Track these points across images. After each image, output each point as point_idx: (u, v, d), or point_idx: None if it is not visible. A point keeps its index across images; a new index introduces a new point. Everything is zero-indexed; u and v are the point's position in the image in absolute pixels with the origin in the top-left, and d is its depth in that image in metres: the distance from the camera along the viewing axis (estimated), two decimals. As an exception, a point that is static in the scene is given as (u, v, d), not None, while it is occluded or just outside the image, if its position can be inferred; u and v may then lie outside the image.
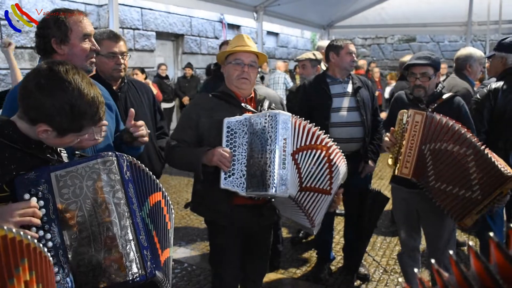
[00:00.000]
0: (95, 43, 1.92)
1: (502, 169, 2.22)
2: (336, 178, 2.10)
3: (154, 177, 1.57)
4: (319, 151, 2.05)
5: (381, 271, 3.63)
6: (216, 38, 10.53)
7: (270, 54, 12.66)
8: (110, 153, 1.34)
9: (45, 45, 1.85)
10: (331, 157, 2.07)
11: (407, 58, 3.94)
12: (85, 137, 1.44)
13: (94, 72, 2.28)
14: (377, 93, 8.21)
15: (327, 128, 3.04)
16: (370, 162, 3.23)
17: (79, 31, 1.85)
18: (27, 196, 1.23)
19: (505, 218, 3.15)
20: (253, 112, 2.15)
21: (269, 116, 1.99)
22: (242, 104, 2.19)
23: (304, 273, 3.60)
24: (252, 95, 2.30)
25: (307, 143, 2.06)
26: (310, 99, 3.18)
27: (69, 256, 1.22)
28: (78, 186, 1.24)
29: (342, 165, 2.14)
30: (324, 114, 3.11)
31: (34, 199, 1.22)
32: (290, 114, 2.05)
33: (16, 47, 6.55)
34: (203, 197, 2.27)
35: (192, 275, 3.60)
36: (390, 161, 2.51)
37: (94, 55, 1.93)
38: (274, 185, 1.91)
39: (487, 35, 8.16)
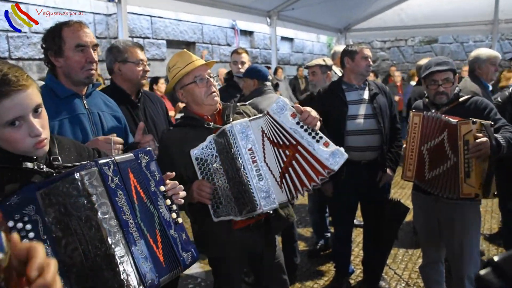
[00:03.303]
0: (92, 54, 1.89)
1: (454, 120, 2.28)
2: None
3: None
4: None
5: (403, 285, 3.47)
6: (229, 45, 10.36)
7: (285, 60, 12.44)
8: (90, 163, 1.25)
9: (47, 58, 1.90)
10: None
11: (423, 62, 3.79)
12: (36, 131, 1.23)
13: (101, 84, 2.28)
14: (397, 98, 7.86)
15: (343, 136, 2.95)
16: (388, 170, 3.11)
17: (72, 42, 1.86)
18: (11, 223, 1.15)
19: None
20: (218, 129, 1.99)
21: (223, 133, 1.87)
22: (205, 124, 2.02)
23: (321, 287, 3.43)
24: (220, 107, 2.12)
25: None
26: (325, 107, 3.02)
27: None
28: (61, 203, 1.17)
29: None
30: (340, 121, 3.00)
31: (19, 225, 1.15)
32: (246, 119, 1.90)
33: (24, 59, 6.52)
34: (203, 236, 2.11)
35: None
36: None
37: (93, 67, 1.90)
38: (259, 203, 1.79)
39: (516, 34, 7.74)
